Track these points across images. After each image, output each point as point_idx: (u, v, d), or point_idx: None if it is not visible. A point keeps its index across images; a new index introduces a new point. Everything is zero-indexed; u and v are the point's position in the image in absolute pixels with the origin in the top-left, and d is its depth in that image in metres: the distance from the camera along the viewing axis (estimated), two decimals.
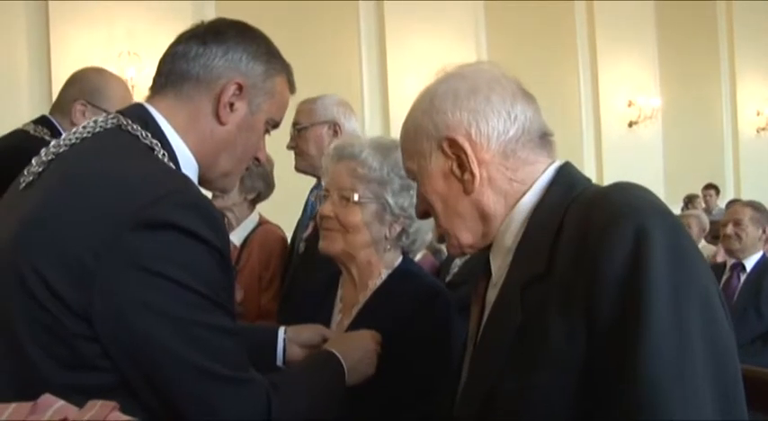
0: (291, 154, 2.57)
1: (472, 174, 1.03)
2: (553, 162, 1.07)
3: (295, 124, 2.55)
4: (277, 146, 2.59)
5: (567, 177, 1.04)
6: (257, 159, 1.25)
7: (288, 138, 2.56)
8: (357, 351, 1.37)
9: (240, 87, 1.15)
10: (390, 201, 1.55)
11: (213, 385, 0.99)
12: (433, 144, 1.07)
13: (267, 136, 1.26)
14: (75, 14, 5.70)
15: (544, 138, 1.07)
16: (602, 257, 0.84)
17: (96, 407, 0.65)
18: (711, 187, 9.41)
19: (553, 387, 0.85)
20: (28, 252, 0.97)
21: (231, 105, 1.15)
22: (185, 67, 1.15)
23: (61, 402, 0.65)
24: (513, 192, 1.04)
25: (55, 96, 6.16)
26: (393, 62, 7.32)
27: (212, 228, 1.01)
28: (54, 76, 5.71)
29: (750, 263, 3.80)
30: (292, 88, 1.26)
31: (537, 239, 0.97)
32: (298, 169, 2.59)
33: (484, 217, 1.05)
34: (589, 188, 1.01)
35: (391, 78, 7.32)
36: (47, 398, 0.66)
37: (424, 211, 1.14)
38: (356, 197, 1.54)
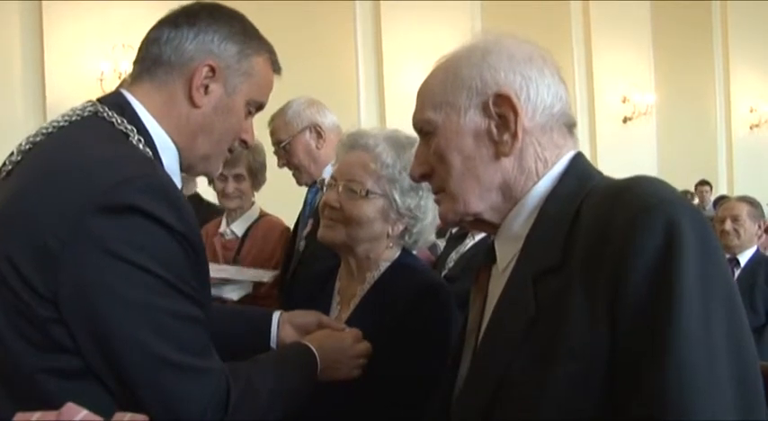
0: None
1: (514, 135, 0.98)
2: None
3: (277, 143, 2.54)
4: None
5: (580, 168, 1.01)
6: (244, 142, 1.23)
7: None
8: (335, 351, 1.36)
9: (213, 69, 1.14)
10: (398, 199, 1.53)
11: (169, 372, 0.99)
12: (474, 100, 1.00)
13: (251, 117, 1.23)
14: (69, 6, 5.66)
15: (571, 128, 1.05)
16: (632, 247, 0.82)
17: (125, 418, 0.65)
18: (705, 183, 9.44)
19: (573, 378, 0.83)
20: (1, 241, 0.98)
21: (206, 88, 1.14)
22: (158, 51, 1.15)
23: (84, 411, 0.65)
24: (533, 171, 1.00)
25: (48, 89, 6.10)
26: (389, 57, 7.31)
27: (176, 213, 1.01)
28: (47, 69, 5.68)
29: (744, 258, 3.81)
30: (276, 68, 1.24)
31: (550, 229, 0.94)
32: (301, 184, 2.59)
33: (503, 187, 1.01)
34: (604, 180, 1.00)
35: (387, 72, 7.32)
36: (70, 407, 0.66)
37: (423, 174, 1.07)
38: (364, 191, 1.52)
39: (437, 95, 1.04)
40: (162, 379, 0.99)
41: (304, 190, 2.64)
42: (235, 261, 2.69)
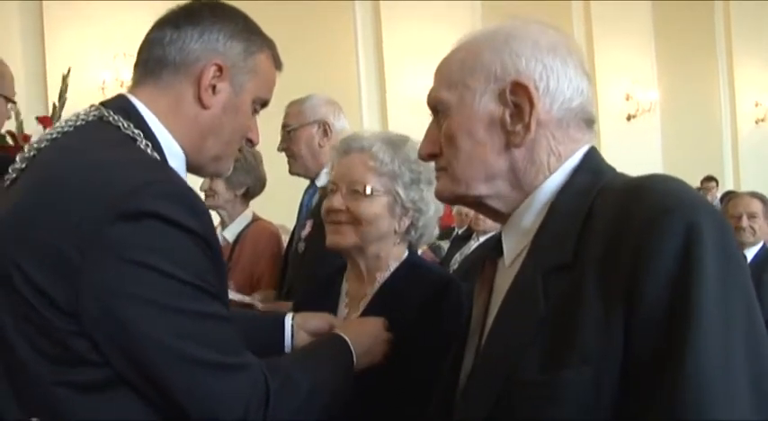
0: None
1: (527, 127, 0.95)
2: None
3: (285, 126, 2.56)
4: (270, 145, 2.60)
5: (593, 163, 0.99)
6: (250, 140, 1.23)
7: (279, 140, 2.56)
8: (367, 337, 1.36)
9: (220, 68, 1.13)
10: (402, 194, 1.55)
11: (206, 373, 0.98)
12: (491, 85, 0.97)
13: (257, 116, 1.24)
14: (70, 15, 5.69)
15: (589, 123, 1.03)
16: (650, 250, 0.80)
17: None
18: (711, 179, 9.40)
19: (585, 382, 0.82)
20: (11, 249, 0.96)
21: (213, 88, 1.13)
22: (161, 53, 1.13)
23: None
24: (545, 165, 0.98)
25: (50, 99, 6.13)
26: (390, 58, 7.31)
27: (194, 215, 1.00)
28: (49, 79, 5.70)
29: (750, 253, 3.80)
30: (278, 64, 1.23)
31: (562, 225, 0.92)
32: (292, 173, 2.60)
33: (510, 177, 0.99)
34: (618, 176, 0.97)
35: (388, 73, 7.32)
36: None
37: (431, 153, 1.05)
38: (368, 190, 1.54)
39: (454, 75, 1.01)
40: (199, 381, 0.97)
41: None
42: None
